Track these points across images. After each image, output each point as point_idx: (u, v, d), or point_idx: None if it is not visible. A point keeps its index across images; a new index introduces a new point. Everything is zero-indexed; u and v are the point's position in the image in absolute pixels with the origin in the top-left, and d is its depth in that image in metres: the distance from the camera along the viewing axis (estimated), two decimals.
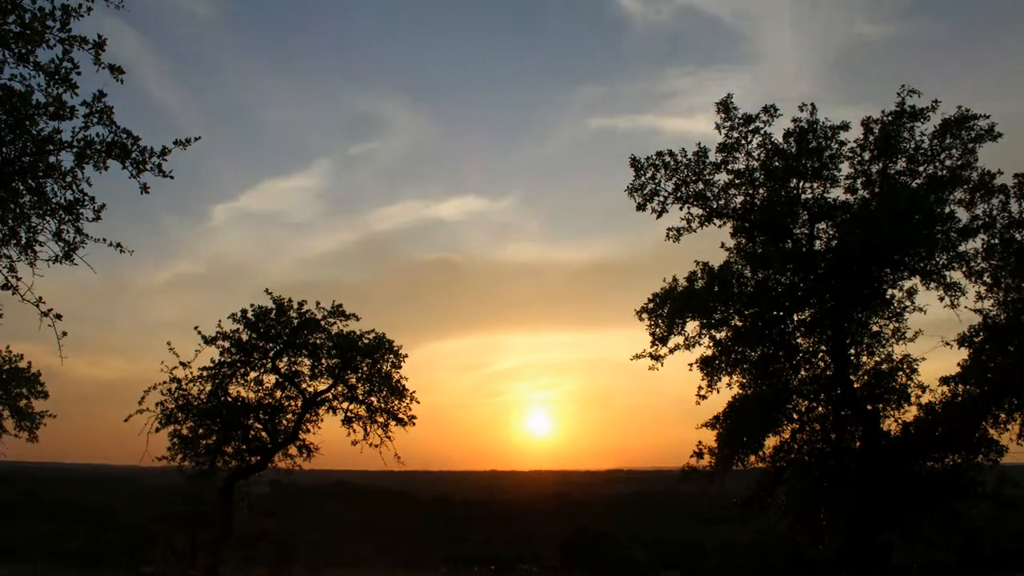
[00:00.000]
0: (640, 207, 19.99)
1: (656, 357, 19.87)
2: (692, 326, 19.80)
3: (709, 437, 19.95)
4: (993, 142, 18.28)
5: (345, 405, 21.76)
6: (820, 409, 20.37)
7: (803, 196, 19.38)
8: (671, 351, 19.84)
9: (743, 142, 19.34)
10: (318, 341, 21.35)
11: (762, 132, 19.15)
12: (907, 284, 19.29)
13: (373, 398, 21.71)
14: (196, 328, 20.56)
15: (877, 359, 19.96)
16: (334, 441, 22.15)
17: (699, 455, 19.84)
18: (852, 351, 19.82)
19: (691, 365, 19.98)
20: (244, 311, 20.82)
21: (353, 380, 21.72)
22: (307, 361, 21.57)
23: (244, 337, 20.86)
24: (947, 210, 18.30)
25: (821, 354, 20.11)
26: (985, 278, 18.28)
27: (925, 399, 19.43)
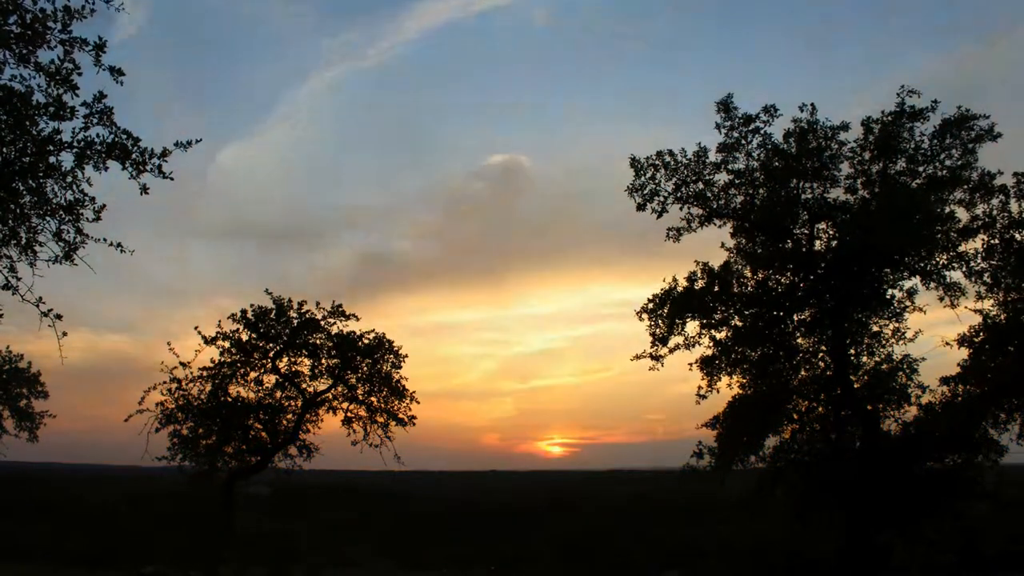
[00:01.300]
0: (640, 207, 20.02)
1: (656, 357, 19.90)
2: (692, 326, 19.84)
3: (709, 437, 19.99)
4: (993, 142, 18.30)
5: (345, 405, 21.78)
6: (820, 409, 20.38)
7: (803, 196, 19.39)
8: (671, 351, 19.87)
9: (743, 142, 19.37)
10: (318, 341, 21.37)
11: (762, 132, 19.20)
12: (907, 284, 19.35)
13: (373, 398, 21.73)
14: (196, 328, 20.64)
15: (877, 359, 19.97)
16: (334, 441, 22.16)
17: (699, 455, 19.86)
18: (852, 351, 19.83)
19: (691, 365, 20.03)
20: (244, 311, 20.87)
21: (353, 380, 21.73)
22: (307, 361, 21.60)
23: (244, 337, 20.89)
24: (947, 210, 18.32)
25: (821, 354, 20.12)
26: (985, 278, 18.29)
27: (925, 399, 19.47)
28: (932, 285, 18.66)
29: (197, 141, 10.56)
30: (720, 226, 20.22)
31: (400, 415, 21.69)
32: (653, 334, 19.80)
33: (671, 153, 19.66)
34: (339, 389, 21.75)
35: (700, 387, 19.89)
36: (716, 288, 19.56)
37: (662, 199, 19.90)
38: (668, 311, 19.65)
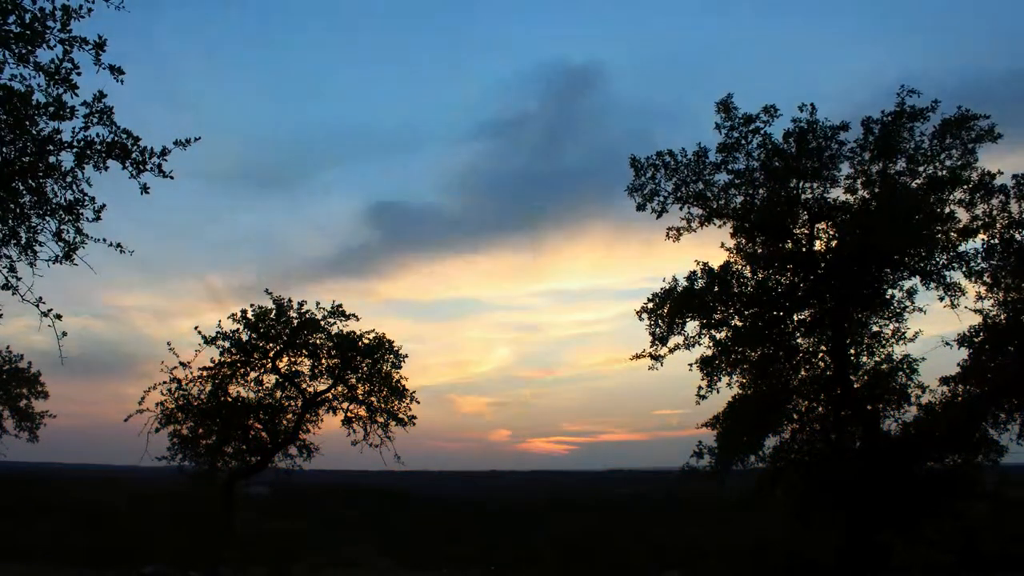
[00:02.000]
0: (640, 207, 20.03)
1: (656, 357, 19.90)
2: (692, 326, 19.84)
3: (709, 437, 20.00)
4: (993, 143, 18.28)
5: (345, 405, 21.76)
6: (820, 409, 20.37)
7: (803, 196, 19.39)
8: (671, 351, 19.87)
9: (743, 142, 19.35)
10: (318, 341, 21.35)
11: (762, 132, 19.17)
12: (907, 284, 19.33)
13: (373, 398, 21.72)
14: (196, 328, 20.64)
15: (877, 359, 19.97)
16: (334, 441, 22.15)
17: (699, 455, 19.86)
18: (852, 351, 19.82)
19: (691, 365, 20.01)
20: (244, 311, 20.86)
21: (353, 380, 21.71)
22: (307, 361, 21.57)
23: (244, 337, 20.86)
24: (947, 210, 18.31)
25: (821, 354, 20.11)
26: (985, 278, 18.29)
27: (925, 399, 19.47)
28: (932, 285, 18.66)
29: (197, 139, 10.52)
30: (720, 226, 20.23)
31: (400, 415, 21.67)
32: (653, 334, 19.80)
33: (671, 153, 19.69)
34: (339, 389, 21.73)
35: (700, 387, 19.89)
36: (716, 288, 19.56)
37: (662, 199, 19.91)
38: (668, 311, 19.65)
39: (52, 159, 10.06)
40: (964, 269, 18.34)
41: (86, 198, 10.34)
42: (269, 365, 21.33)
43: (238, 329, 20.83)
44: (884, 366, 19.81)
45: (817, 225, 19.48)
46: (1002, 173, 18.20)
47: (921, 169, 18.85)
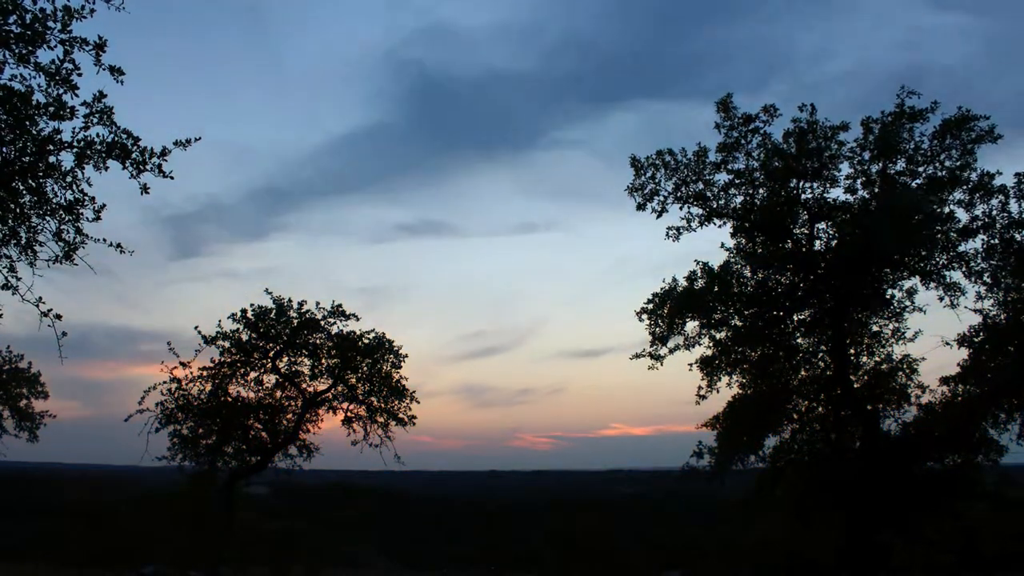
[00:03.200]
0: (640, 207, 20.02)
1: (656, 357, 19.90)
2: (692, 326, 19.84)
3: (709, 437, 20.01)
4: (993, 143, 18.27)
5: (345, 405, 21.76)
6: (820, 409, 20.39)
7: (803, 196, 19.38)
8: (671, 351, 19.87)
9: (743, 142, 19.34)
10: (318, 341, 21.35)
11: (762, 132, 19.16)
12: (907, 284, 19.33)
13: (373, 398, 21.72)
14: (196, 328, 20.62)
15: (877, 359, 19.99)
16: (334, 441, 22.15)
17: (699, 455, 19.87)
18: (852, 351, 19.83)
19: (691, 365, 20.02)
20: (244, 311, 20.84)
21: (353, 380, 21.71)
22: (307, 361, 21.57)
23: (244, 337, 20.85)
24: (947, 210, 18.32)
25: (821, 354, 20.12)
26: (985, 278, 18.28)
27: (925, 399, 19.49)
28: (932, 285, 18.66)
29: (197, 139, 10.52)
30: (720, 226, 20.22)
31: (400, 415, 21.67)
32: (653, 333, 19.80)
33: (671, 152, 19.68)
34: (339, 389, 21.72)
35: (700, 387, 19.90)
36: (716, 288, 19.55)
37: (662, 199, 19.90)
38: (668, 311, 19.64)
39: (52, 159, 10.05)
40: (964, 269, 18.34)
41: (86, 198, 10.34)
42: (269, 365, 21.33)
43: (238, 329, 20.82)
44: (884, 366, 19.83)
45: (817, 225, 19.47)
46: (1001, 173, 18.21)
47: (921, 169, 18.84)
